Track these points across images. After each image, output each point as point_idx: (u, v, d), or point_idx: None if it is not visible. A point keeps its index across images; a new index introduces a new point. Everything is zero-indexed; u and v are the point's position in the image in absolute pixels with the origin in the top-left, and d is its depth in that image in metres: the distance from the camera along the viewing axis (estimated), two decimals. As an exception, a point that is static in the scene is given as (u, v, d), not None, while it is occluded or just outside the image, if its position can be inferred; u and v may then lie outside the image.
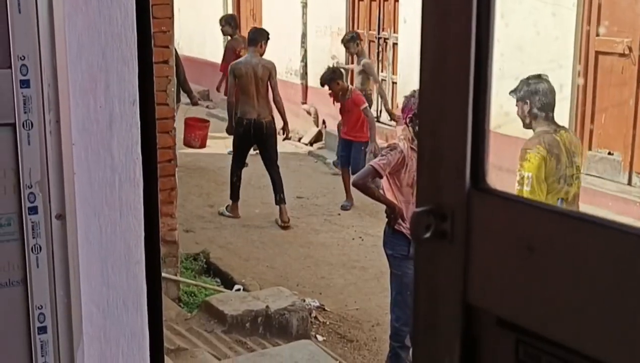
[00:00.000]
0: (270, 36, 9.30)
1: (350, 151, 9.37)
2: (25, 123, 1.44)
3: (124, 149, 1.63)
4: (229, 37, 12.88)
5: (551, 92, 4.58)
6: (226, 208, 9.09)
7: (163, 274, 6.22)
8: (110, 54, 1.59)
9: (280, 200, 8.83)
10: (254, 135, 8.88)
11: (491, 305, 0.97)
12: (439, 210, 0.98)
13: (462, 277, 0.98)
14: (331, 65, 10.67)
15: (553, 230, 0.88)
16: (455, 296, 0.99)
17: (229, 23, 12.40)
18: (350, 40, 10.68)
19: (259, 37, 9.10)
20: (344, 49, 12.69)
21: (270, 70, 8.86)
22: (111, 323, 1.66)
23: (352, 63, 11.43)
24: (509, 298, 0.96)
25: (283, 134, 9.59)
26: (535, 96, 4.53)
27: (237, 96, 8.90)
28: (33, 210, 1.47)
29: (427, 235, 0.98)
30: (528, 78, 4.65)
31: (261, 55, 9.01)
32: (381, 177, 5.04)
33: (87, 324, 1.60)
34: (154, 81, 1.72)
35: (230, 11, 15.81)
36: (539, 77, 4.62)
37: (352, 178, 5.26)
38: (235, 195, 9.07)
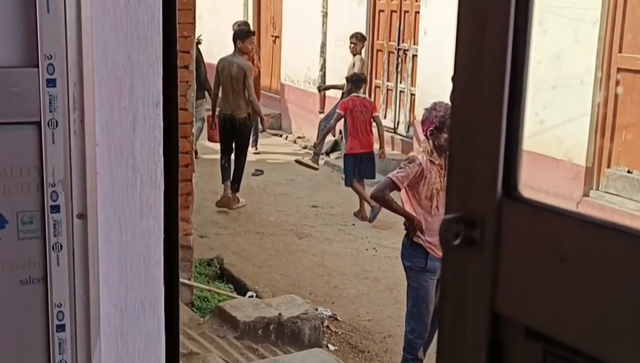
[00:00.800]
0: (251, 31, 10.19)
1: (361, 164, 9.48)
2: (50, 122, 1.45)
3: (146, 150, 1.64)
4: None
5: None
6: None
7: (177, 278, 6.24)
8: (136, 56, 1.60)
9: (235, 188, 9.59)
10: (230, 129, 9.46)
11: (519, 314, 0.97)
12: (469, 217, 0.97)
13: (491, 285, 0.98)
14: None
15: (586, 240, 0.87)
16: (483, 304, 0.98)
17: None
18: (361, 40, 11.46)
19: (237, 36, 9.62)
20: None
21: (245, 71, 9.29)
22: (128, 323, 1.67)
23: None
24: (538, 308, 0.95)
25: (263, 128, 10.66)
26: None
27: (216, 91, 9.61)
28: (55, 209, 1.48)
29: (457, 242, 0.97)
30: None
31: (244, 52, 9.54)
32: (399, 190, 5.03)
33: (104, 324, 1.61)
34: (177, 84, 1.73)
35: (250, 18, 15.87)
36: None
37: (371, 190, 5.25)
38: (225, 176, 9.66)
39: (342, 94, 10.32)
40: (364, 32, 12.70)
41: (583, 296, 0.90)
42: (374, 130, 9.47)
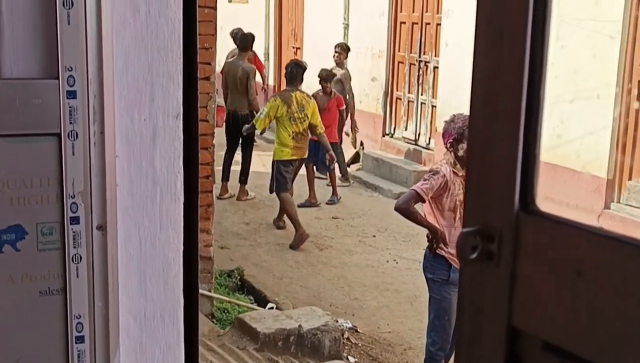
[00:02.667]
0: (254, 40, 11.07)
1: (319, 151, 10.14)
2: (70, 133, 1.46)
3: (166, 162, 1.64)
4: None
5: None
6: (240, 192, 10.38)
7: (198, 289, 6.26)
8: (156, 68, 1.60)
9: (243, 180, 10.48)
10: (233, 124, 10.37)
11: (537, 328, 0.96)
12: (487, 231, 0.97)
13: (508, 299, 0.97)
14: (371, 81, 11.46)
15: (604, 255, 0.87)
16: (500, 318, 0.98)
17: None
18: (346, 50, 12.29)
19: (245, 43, 10.83)
20: (384, 71, 12.75)
21: (249, 73, 10.36)
22: (147, 335, 1.66)
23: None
24: (556, 322, 0.94)
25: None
26: None
27: (226, 92, 10.75)
28: (75, 220, 1.48)
29: (474, 256, 0.97)
30: None
31: (249, 59, 10.88)
32: (424, 201, 5.02)
33: (123, 335, 1.61)
34: (198, 96, 1.73)
35: (272, 29, 15.93)
36: None
37: (396, 202, 5.23)
38: (225, 176, 10.49)
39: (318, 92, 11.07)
40: (384, 44, 12.72)
41: (600, 310, 0.89)
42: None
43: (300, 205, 9.81)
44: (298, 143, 8.98)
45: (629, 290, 0.86)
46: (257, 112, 9.98)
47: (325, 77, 10.89)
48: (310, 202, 10.34)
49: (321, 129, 9.21)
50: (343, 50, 12.24)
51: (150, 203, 1.63)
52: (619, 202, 8.15)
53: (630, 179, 8.22)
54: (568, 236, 0.91)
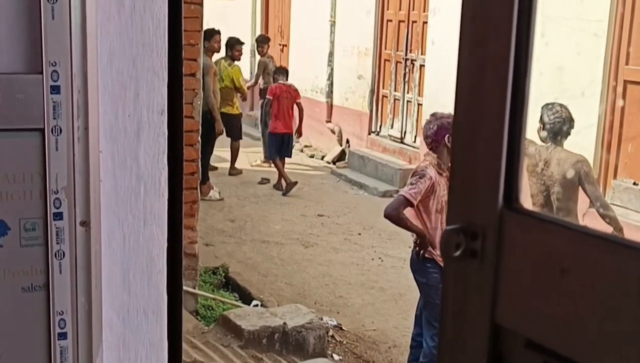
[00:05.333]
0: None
1: (282, 143, 11.21)
2: (54, 129, 1.45)
3: (150, 157, 1.64)
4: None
5: None
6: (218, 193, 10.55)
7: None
8: (141, 63, 1.59)
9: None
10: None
11: (520, 326, 0.96)
12: (470, 228, 0.97)
13: (491, 296, 0.97)
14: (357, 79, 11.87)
15: (587, 253, 0.87)
16: (484, 315, 0.98)
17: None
18: (264, 41, 13.37)
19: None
20: (370, 69, 12.76)
21: (203, 70, 10.18)
22: (131, 331, 1.66)
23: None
24: (538, 320, 0.94)
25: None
26: None
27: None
28: (58, 216, 1.47)
29: (457, 253, 0.97)
30: None
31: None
32: (413, 206, 4.99)
33: (106, 332, 1.60)
34: (183, 92, 1.72)
35: (258, 27, 15.90)
36: None
37: (385, 209, 5.19)
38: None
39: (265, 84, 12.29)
40: (371, 42, 12.73)
41: (583, 309, 0.90)
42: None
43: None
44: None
45: (612, 289, 0.86)
46: (213, 111, 10.29)
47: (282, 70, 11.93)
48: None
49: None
50: (265, 42, 13.44)
51: (134, 199, 1.62)
52: (603, 201, 8.19)
53: (615, 177, 8.26)
54: (552, 234, 0.91)
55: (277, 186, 11.12)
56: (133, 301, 1.65)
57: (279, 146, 11.20)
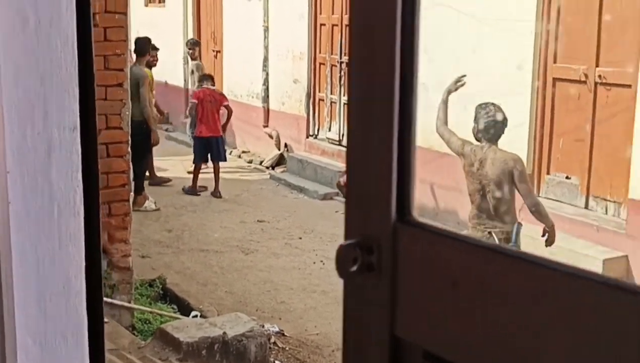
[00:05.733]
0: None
1: (210, 147, 11.15)
2: (-43, 150, 1.39)
3: (63, 176, 1.59)
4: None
5: None
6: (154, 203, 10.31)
7: (116, 302, 6.12)
8: (49, 80, 1.55)
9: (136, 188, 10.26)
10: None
11: (417, 338, 0.97)
12: (366, 242, 0.97)
13: (389, 309, 0.97)
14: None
15: (475, 264, 0.87)
16: (383, 328, 0.97)
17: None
18: (195, 45, 13.65)
19: (142, 47, 10.70)
20: (306, 73, 12.77)
21: (138, 80, 10.01)
22: (49, 356, 1.61)
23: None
24: (435, 332, 0.95)
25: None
26: None
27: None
28: (-35, 241, 1.42)
29: (354, 268, 0.97)
30: None
31: (148, 64, 10.79)
32: None
33: (22, 357, 1.55)
34: (95, 107, 1.68)
35: (190, 33, 15.78)
36: None
37: None
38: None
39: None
40: (305, 46, 12.73)
41: (474, 320, 0.90)
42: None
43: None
44: None
45: (502, 300, 0.86)
46: (149, 121, 10.10)
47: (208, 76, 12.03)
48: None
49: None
50: (195, 45, 13.68)
51: (47, 219, 1.58)
52: (539, 195, 8.34)
53: (548, 173, 8.42)
54: (442, 246, 0.91)
55: (214, 193, 11.01)
56: (50, 324, 1.60)
57: (205, 150, 11.17)
